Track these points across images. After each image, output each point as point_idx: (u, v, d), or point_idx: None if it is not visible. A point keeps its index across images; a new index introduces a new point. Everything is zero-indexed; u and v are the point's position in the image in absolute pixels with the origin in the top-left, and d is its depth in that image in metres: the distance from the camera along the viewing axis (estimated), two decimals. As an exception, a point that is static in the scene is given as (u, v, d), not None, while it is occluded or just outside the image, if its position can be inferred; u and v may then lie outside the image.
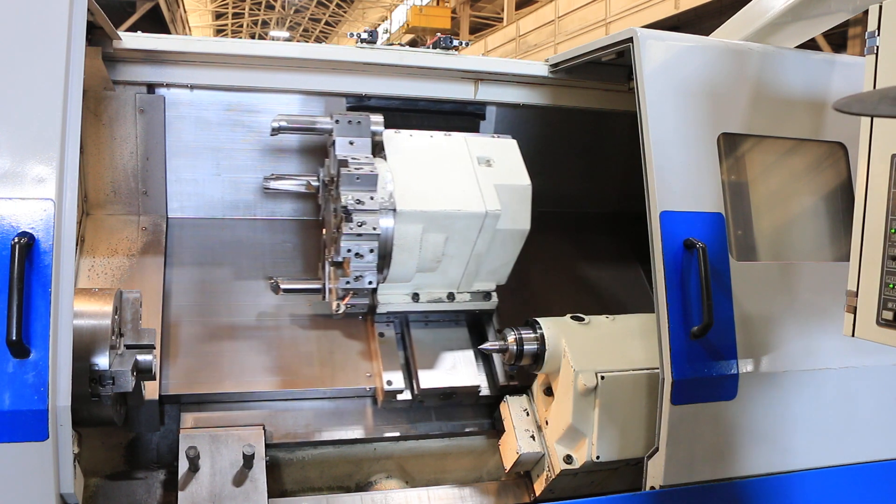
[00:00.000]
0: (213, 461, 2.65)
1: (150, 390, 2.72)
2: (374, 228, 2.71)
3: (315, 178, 3.14)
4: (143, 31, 3.04)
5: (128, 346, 2.47)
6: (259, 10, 38.28)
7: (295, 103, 3.32)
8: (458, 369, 3.05)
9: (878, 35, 2.13)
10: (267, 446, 2.77)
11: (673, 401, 2.56)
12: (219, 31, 40.10)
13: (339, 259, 2.80)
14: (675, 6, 13.52)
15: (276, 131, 2.95)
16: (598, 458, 2.67)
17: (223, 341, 3.02)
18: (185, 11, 23.31)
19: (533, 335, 2.81)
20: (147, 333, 2.55)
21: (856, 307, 2.16)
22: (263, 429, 2.81)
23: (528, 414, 2.97)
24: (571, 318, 2.87)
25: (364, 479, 2.99)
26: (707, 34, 3.02)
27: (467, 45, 3.75)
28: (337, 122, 2.92)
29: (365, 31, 3.15)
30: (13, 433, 1.98)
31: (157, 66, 3.07)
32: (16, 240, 1.98)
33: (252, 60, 3.14)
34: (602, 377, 2.66)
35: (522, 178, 3.02)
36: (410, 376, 3.02)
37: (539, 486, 2.88)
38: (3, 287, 1.96)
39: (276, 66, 3.17)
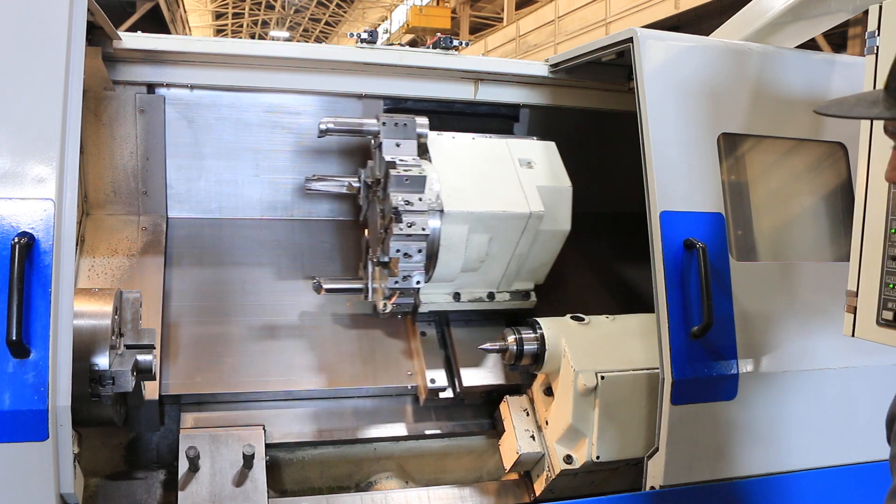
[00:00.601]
0: (213, 461, 2.65)
1: (154, 390, 2.72)
2: (423, 229, 2.76)
3: (356, 180, 3.16)
4: (143, 31, 3.04)
5: (128, 346, 2.47)
6: (259, 10, 38.28)
7: (339, 105, 3.37)
8: (498, 367, 3.08)
9: (878, 35, 2.13)
10: (267, 446, 2.77)
11: (673, 401, 2.56)
12: (219, 31, 40.09)
13: (386, 259, 2.84)
14: (675, 6, 13.52)
15: (323, 133, 2.97)
16: (598, 458, 2.67)
17: (267, 341, 3.07)
18: (185, 11, 23.33)
19: (533, 335, 2.81)
20: (147, 333, 2.55)
21: (856, 307, 2.16)
22: (263, 429, 2.81)
23: (528, 414, 2.97)
24: (571, 318, 2.87)
25: (364, 479, 2.99)
26: (707, 34, 3.02)
27: (467, 45, 3.75)
28: (384, 124, 2.95)
29: (365, 31, 3.15)
30: (13, 433, 1.98)
31: (157, 66, 3.07)
32: (16, 240, 1.98)
33: (252, 60, 3.14)
34: (602, 377, 2.66)
35: (563, 180, 3.08)
36: (452, 375, 3.06)
37: (539, 486, 2.88)
38: (3, 287, 1.96)
39: (276, 66, 3.17)
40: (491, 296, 3.17)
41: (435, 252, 2.87)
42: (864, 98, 1.61)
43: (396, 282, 2.85)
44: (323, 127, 2.96)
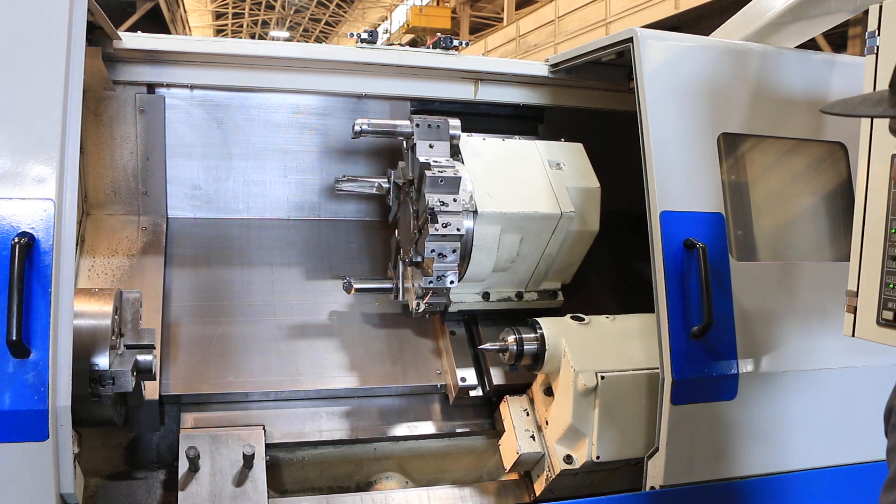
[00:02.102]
0: (213, 461, 2.65)
1: (154, 390, 2.72)
2: (458, 230, 2.78)
3: (385, 180, 3.18)
4: (143, 31, 3.04)
5: (128, 346, 2.47)
6: (259, 10, 38.25)
7: (366, 106, 3.42)
8: None
9: (878, 35, 2.13)
10: (267, 446, 2.77)
11: (673, 401, 2.56)
12: (219, 31, 40.06)
13: (419, 259, 2.87)
14: (675, 6, 13.51)
15: (357, 134, 2.99)
16: (598, 458, 2.67)
17: (298, 340, 3.11)
18: (185, 11, 23.33)
19: (533, 335, 2.81)
20: (147, 333, 2.55)
21: (856, 307, 2.16)
22: (263, 429, 2.81)
23: (528, 414, 2.97)
24: (571, 318, 2.87)
25: (364, 479, 2.99)
26: (707, 34, 3.02)
27: (467, 45, 3.76)
28: (417, 125, 2.98)
29: (365, 31, 3.15)
30: (13, 433, 1.98)
31: (157, 66, 3.07)
32: (16, 240, 1.98)
33: (252, 60, 3.14)
34: (602, 377, 2.66)
35: (592, 181, 3.11)
36: (482, 373, 3.08)
37: (539, 486, 2.88)
38: (3, 287, 1.96)
39: (276, 67, 3.17)
40: (519, 295, 3.21)
41: (468, 252, 2.91)
42: (870, 97, 1.63)
43: (431, 281, 2.88)
44: (357, 128, 2.97)
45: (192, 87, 3.20)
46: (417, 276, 2.99)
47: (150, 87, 3.17)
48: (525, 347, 2.80)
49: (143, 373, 2.42)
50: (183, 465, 2.59)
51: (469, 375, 3.05)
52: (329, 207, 3.54)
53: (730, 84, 2.78)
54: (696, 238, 2.59)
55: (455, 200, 2.81)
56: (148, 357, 2.43)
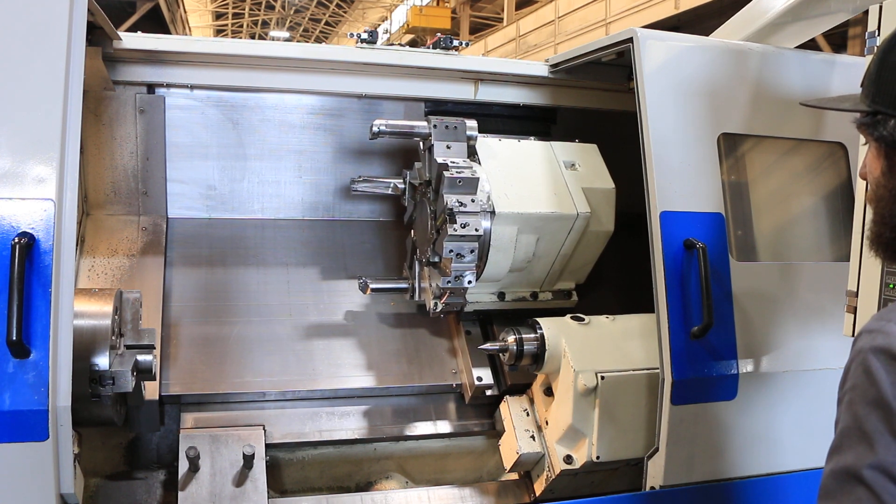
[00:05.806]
0: (213, 461, 2.65)
1: (154, 390, 2.71)
2: (477, 230, 2.79)
3: (400, 181, 3.19)
4: (143, 31, 3.04)
5: (128, 347, 2.47)
6: (259, 10, 38.25)
7: (380, 108, 3.43)
8: None
9: (878, 35, 2.14)
10: (267, 446, 2.77)
11: (673, 401, 2.56)
12: (219, 32, 40.06)
13: (437, 259, 2.88)
14: (675, 6, 13.51)
15: (375, 135, 2.99)
16: (598, 458, 2.67)
17: (314, 339, 3.12)
18: (185, 11, 23.35)
19: (533, 335, 2.82)
20: (147, 333, 2.55)
21: (856, 307, 2.16)
22: (263, 429, 2.81)
23: (528, 414, 2.97)
24: (571, 318, 2.87)
25: (364, 480, 2.99)
26: (707, 34, 3.02)
27: (467, 45, 3.76)
28: (435, 126, 2.98)
29: (365, 32, 3.15)
30: (13, 433, 1.98)
31: (157, 66, 3.07)
32: (16, 240, 1.98)
33: (252, 60, 3.14)
34: (602, 377, 2.66)
35: (607, 182, 3.13)
36: (497, 372, 3.10)
37: (539, 486, 2.88)
38: (3, 287, 1.96)
39: (276, 67, 3.17)
40: (534, 295, 3.22)
41: (485, 252, 2.91)
42: (845, 96, 1.64)
43: (448, 281, 2.88)
44: (376, 129, 2.97)
45: (193, 87, 3.20)
46: (435, 276, 3.00)
47: (150, 87, 3.17)
48: (525, 347, 2.80)
49: (143, 373, 2.42)
50: (183, 465, 2.59)
51: (485, 375, 3.06)
52: (343, 208, 3.54)
53: (730, 84, 2.78)
54: (696, 238, 2.59)
55: (473, 201, 2.81)
56: (148, 357, 2.43)
